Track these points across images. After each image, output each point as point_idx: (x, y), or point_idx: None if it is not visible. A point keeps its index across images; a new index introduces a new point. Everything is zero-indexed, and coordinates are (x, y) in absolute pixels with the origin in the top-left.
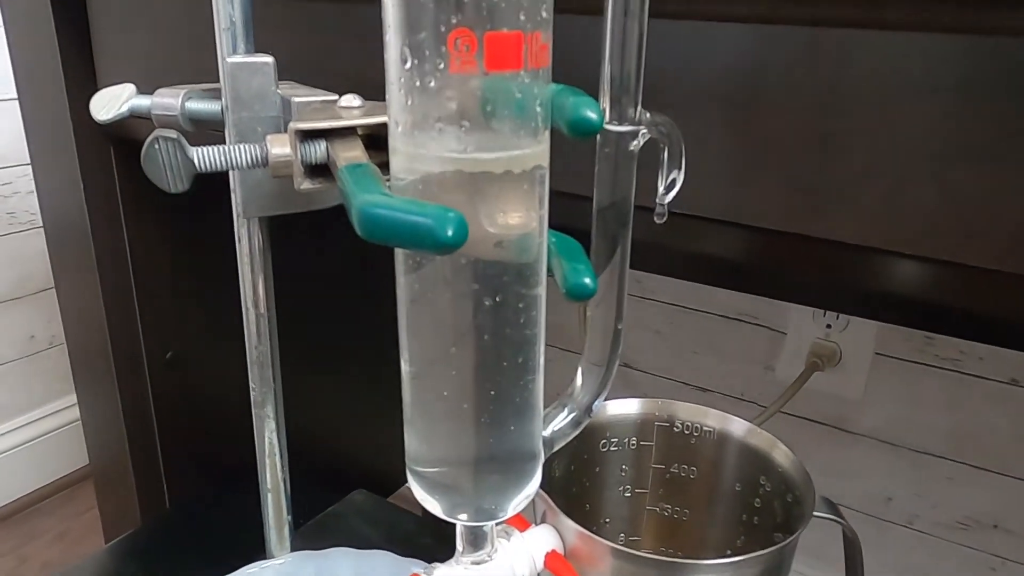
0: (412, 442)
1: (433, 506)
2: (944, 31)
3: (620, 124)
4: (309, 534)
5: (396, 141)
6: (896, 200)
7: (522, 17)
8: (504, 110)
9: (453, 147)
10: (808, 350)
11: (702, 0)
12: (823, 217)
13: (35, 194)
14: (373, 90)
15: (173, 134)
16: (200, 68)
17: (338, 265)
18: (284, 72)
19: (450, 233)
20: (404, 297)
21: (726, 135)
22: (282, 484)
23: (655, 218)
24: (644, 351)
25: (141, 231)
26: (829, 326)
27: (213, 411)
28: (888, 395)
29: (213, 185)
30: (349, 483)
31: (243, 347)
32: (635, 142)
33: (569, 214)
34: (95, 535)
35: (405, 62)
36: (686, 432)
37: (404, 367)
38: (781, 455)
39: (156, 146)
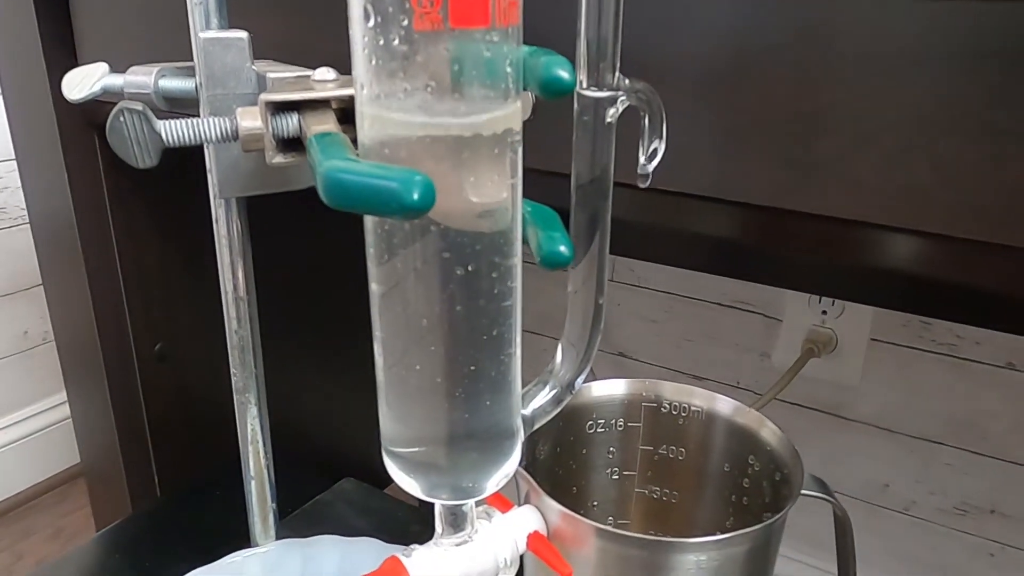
0: (387, 421)
1: (411, 486)
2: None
3: (598, 90)
4: (296, 523)
5: (362, 105)
6: (888, 173)
7: None
8: (472, 70)
9: (420, 110)
10: (804, 337)
11: None
12: (813, 191)
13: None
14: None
15: (138, 106)
16: (184, 50)
17: (325, 251)
18: (262, 53)
19: (416, 196)
20: (374, 268)
21: (711, 107)
22: (265, 471)
23: (638, 181)
24: (639, 340)
25: (128, 224)
26: (824, 312)
27: (203, 404)
28: (885, 381)
29: (199, 175)
30: (340, 472)
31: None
32: (613, 109)
33: (548, 192)
34: (90, 531)
35: (368, 19)
36: (673, 413)
37: (376, 341)
38: (769, 433)
39: (121, 119)
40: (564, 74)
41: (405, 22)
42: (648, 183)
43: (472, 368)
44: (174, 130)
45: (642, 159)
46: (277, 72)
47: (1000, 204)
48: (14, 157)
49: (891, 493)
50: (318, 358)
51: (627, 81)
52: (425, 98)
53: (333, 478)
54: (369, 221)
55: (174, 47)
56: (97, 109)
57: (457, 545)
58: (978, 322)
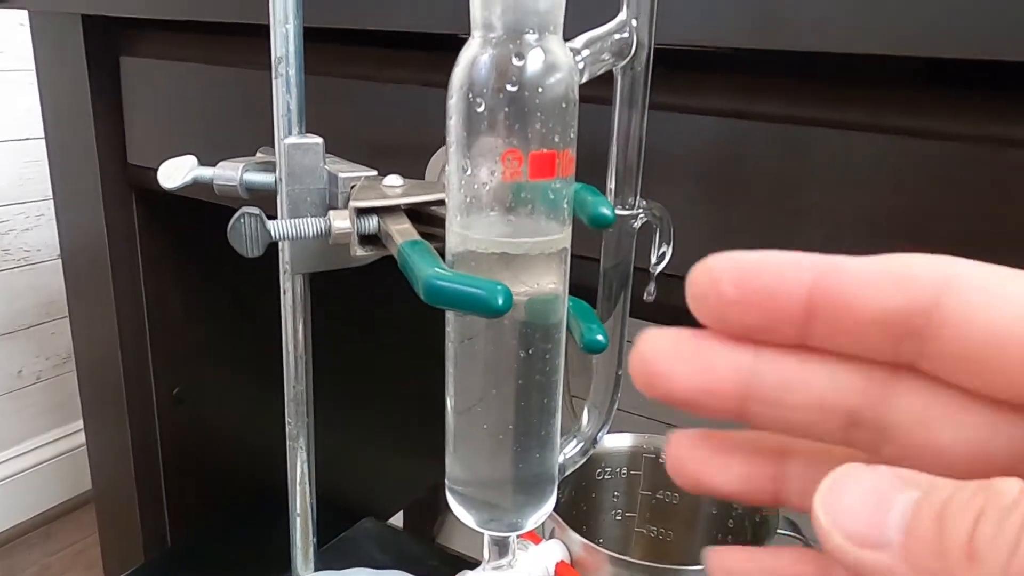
0: (453, 466)
1: (468, 519)
2: (880, 132)
3: (623, 209)
4: (326, 557)
5: (454, 226)
6: None
7: (556, 139)
8: (541, 207)
9: (500, 234)
10: None
11: (688, 96)
12: None
13: (29, 232)
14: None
15: (256, 210)
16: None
17: (346, 317)
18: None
19: (500, 302)
20: (454, 349)
21: (708, 209)
22: (310, 509)
23: (645, 295)
24: (626, 393)
25: (157, 275)
26: None
27: (217, 450)
28: None
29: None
30: (348, 513)
31: (246, 387)
32: (634, 223)
33: (581, 273)
34: (77, 571)
35: (465, 171)
36: None
37: (449, 404)
38: None
39: (242, 220)
40: (608, 212)
41: (495, 174)
42: (653, 297)
43: (526, 428)
44: (280, 228)
45: (653, 259)
46: (346, 172)
47: None
48: (19, 200)
49: None
50: (337, 412)
51: (645, 202)
52: (505, 226)
53: (348, 518)
54: (451, 314)
55: (205, 113)
56: (136, 173)
57: (502, 570)
58: None
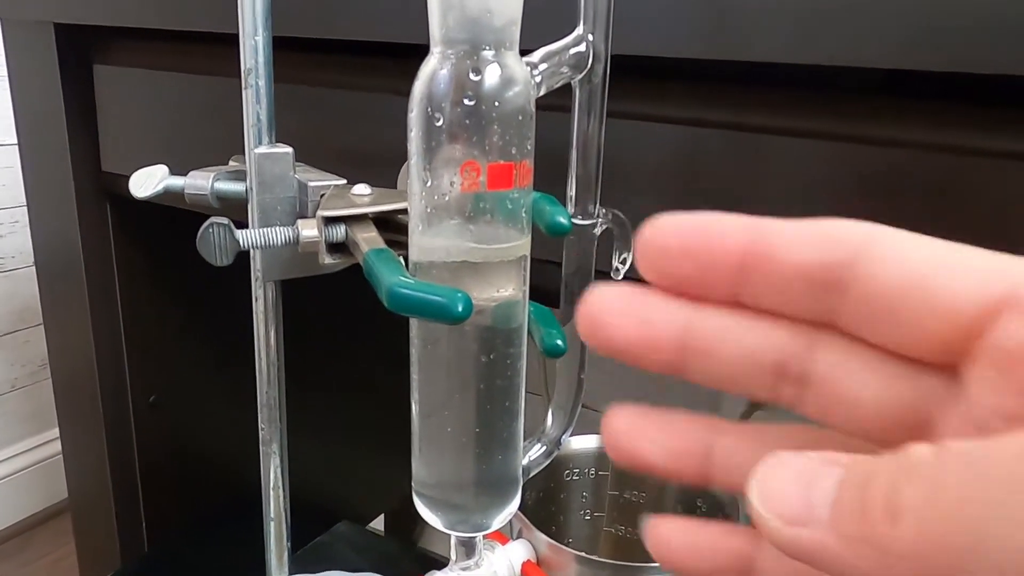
0: (419, 469)
1: (435, 520)
2: (839, 140)
3: (583, 218)
4: (301, 561)
5: (415, 236)
6: None
7: (513, 151)
8: (499, 216)
9: (460, 242)
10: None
11: (647, 104)
12: None
13: (3, 239)
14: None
15: (224, 220)
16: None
17: (318, 321)
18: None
19: (460, 309)
20: (418, 354)
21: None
22: (284, 513)
23: (612, 275)
24: (601, 395)
25: (132, 282)
26: None
27: (193, 456)
28: None
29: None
30: (327, 517)
31: (222, 394)
32: (595, 230)
33: (544, 277)
34: None
35: (426, 182)
36: None
37: (415, 409)
38: None
39: (210, 230)
40: (564, 221)
41: (454, 185)
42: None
43: (489, 431)
44: (249, 237)
45: (615, 265)
46: (316, 181)
47: None
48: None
49: None
50: (310, 416)
51: (604, 210)
52: (464, 235)
53: (326, 522)
54: (415, 322)
55: (178, 107)
56: (110, 180)
57: (467, 570)
58: None
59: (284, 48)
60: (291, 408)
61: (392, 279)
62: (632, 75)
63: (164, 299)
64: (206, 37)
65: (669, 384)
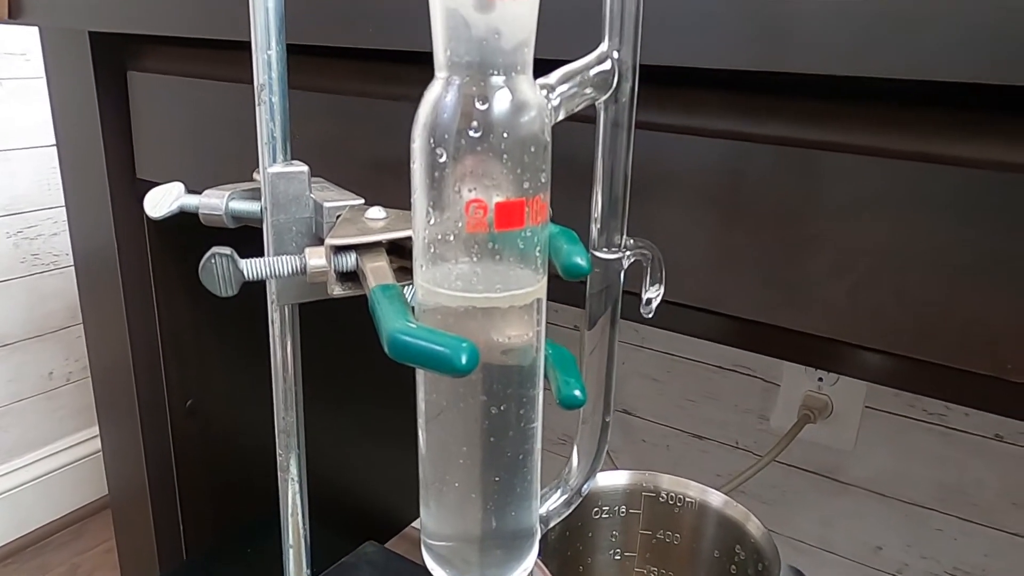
0: (427, 520)
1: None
2: (892, 156)
3: (608, 252)
4: None
5: (419, 278)
6: (858, 299)
7: (526, 185)
8: (509, 257)
9: (466, 287)
10: (801, 402)
11: (686, 116)
12: (795, 311)
13: (57, 237)
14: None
15: (227, 251)
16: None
17: (343, 340)
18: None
19: (464, 361)
20: (423, 403)
21: (710, 233)
22: (303, 540)
23: (641, 309)
24: (642, 398)
25: (168, 287)
26: (821, 379)
27: (229, 459)
28: (878, 447)
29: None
30: (355, 531)
31: (260, 401)
32: (621, 264)
33: (567, 318)
34: (105, 570)
35: (429, 218)
36: (670, 502)
37: (422, 458)
38: (754, 527)
39: (213, 260)
40: (582, 263)
41: (459, 225)
42: (651, 315)
43: (501, 484)
44: (253, 268)
45: (643, 300)
46: (332, 201)
47: (955, 333)
48: (46, 206)
49: (884, 556)
50: (337, 429)
51: (632, 241)
52: (472, 279)
53: (354, 540)
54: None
55: (212, 118)
56: (145, 187)
57: None
58: (963, 404)
59: (307, 54)
60: (319, 422)
61: (394, 324)
62: (670, 83)
63: (200, 305)
64: (238, 44)
65: (717, 391)
